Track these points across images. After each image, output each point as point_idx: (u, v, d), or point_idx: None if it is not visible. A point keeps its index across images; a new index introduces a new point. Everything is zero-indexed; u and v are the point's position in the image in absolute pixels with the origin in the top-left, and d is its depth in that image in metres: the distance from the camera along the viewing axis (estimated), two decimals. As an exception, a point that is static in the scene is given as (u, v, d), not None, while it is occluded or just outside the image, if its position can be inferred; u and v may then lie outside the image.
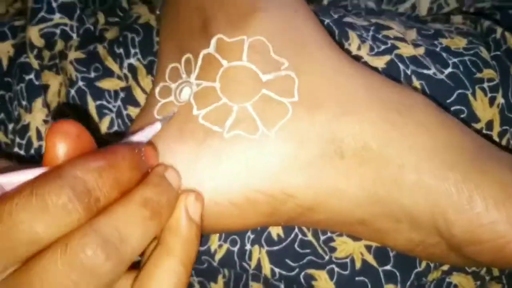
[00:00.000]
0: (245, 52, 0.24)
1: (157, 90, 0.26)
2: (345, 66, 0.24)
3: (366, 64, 0.27)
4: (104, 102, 0.30)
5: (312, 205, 0.24)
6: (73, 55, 0.31)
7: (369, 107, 0.23)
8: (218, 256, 0.28)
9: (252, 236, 0.28)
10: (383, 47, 0.27)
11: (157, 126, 0.24)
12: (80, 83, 0.30)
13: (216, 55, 0.24)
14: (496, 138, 0.28)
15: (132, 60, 0.30)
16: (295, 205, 0.24)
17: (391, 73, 0.27)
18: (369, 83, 0.24)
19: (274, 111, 0.23)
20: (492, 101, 0.27)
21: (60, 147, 0.20)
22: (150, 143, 0.24)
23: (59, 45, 0.31)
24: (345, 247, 0.28)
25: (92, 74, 0.30)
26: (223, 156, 0.23)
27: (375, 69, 0.27)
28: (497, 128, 0.28)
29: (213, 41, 0.24)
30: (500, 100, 0.27)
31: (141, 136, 0.23)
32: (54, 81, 0.31)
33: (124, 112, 0.30)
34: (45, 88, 0.31)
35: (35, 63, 0.31)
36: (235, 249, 0.28)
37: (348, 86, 0.24)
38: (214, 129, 0.23)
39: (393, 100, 0.24)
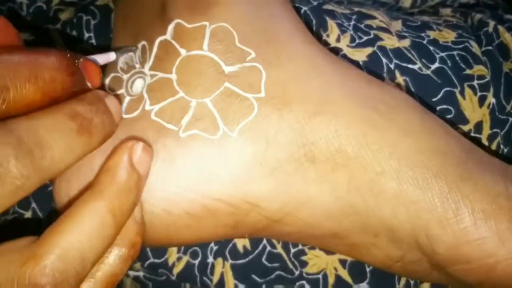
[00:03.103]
0: (206, 40, 0.21)
1: (107, 81, 0.23)
2: (320, 60, 0.21)
3: (345, 57, 0.24)
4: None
5: (279, 217, 0.21)
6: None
7: (345, 106, 0.20)
8: (176, 270, 0.25)
9: (215, 248, 0.25)
10: (365, 38, 0.24)
11: (111, 55, 0.21)
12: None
13: (173, 43, 0.21)
14: (485, 142, 0.25)
15: (85, 45, 0.27)
16: (260, 216, 0.21)
17: (372, 67, 0.24)
18: (345, 80, 0.21)
19: (237, 108, 0.20)
20: (482, 100, 0.25)
21: None
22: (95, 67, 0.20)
23: (4, 26, 0.28)
24: (317, 261, 0.25)
25: (39, 61, 0.27)
26: (177, 159, 0.20)
27: (355, 63, 0.24)
28: (486, 130, 0.25)
29: (171, 27, 0.21)
30: (491, 99, 0.25)
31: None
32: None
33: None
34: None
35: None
36: (196, 262, 0.25)
37: (322, 82, 0.21)
38: (168, 127, 0.20)
39: (372, 98, 0.21)
